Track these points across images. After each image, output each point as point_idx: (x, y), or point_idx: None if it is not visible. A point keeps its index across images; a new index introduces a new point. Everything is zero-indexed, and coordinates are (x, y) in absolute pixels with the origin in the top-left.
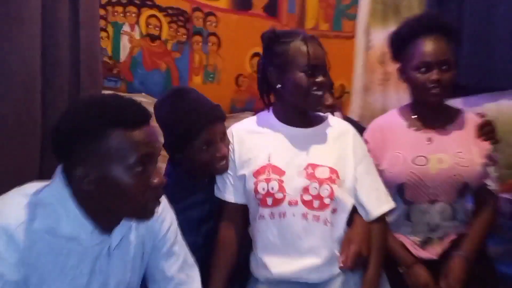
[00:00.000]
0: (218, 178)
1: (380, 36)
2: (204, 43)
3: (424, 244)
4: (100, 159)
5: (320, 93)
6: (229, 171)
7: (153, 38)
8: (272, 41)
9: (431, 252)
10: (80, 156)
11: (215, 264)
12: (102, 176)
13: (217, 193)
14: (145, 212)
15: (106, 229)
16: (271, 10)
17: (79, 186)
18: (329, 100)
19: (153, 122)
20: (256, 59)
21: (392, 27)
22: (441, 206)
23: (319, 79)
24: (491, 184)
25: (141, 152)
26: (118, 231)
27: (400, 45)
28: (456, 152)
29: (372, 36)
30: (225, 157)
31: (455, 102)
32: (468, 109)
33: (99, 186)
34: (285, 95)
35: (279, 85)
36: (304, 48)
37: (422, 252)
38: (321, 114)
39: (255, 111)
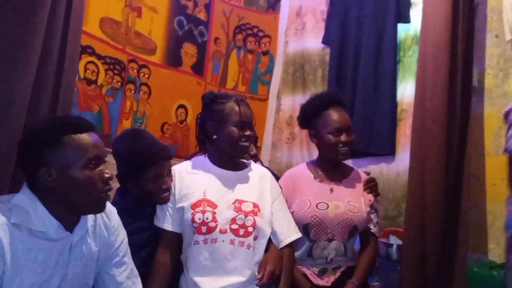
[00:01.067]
0: (158, 209)
1: (289, 101)
2: (136, 91)
3: (321, 274)
4: (59, 160)
5: (247, 144)
6: (169, 204)
7: (90, 82)
8: (211, 101)
9: (326, 280)
10: (43, 160)
11: (151, 284)
12: (61, 174)
13: (156, 222)
14: (98, 202)
15: (68, 226)
16: (198, 69)
17: (43, 186)
18: (253, 150)
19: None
20: (181, 110)
21: (299, 95)
22: (336, 244)
23: (247, 133)
24: (373, 228)
25: (92, 153)
26: (78, 230)
27: (312, 114)
28: (349, 201)
29: (282, 101)
30: (169, 189)
31: (347, 162)
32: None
33: (60, 183)
34: (219, 144)
35: (215, 136)
36: (236, 108)
37: (319, 280)
38: (246, 161)
39: (188, 157)
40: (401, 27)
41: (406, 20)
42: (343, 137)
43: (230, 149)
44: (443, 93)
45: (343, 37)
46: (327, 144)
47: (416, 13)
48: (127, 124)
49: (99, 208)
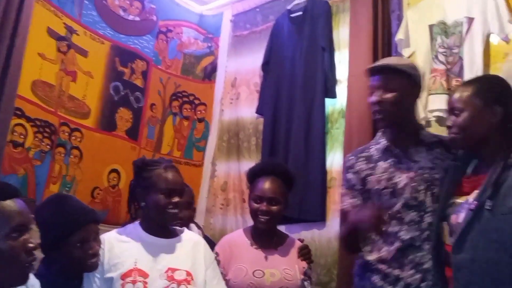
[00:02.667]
0: (85, 280)
1: (224, 168)
2: (66, 155)
3: None
4: None
5: (175, 211)
6: (96, 274)
7: (16, 144)
8: (141, 168)
9: None
10: None
11: None
12: None
13: None
14: (21, 275)
15: None
16: (133, 134)
17: None
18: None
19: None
20: (113, 175)
21: (234, 162)
22: None
23: (175, 199)
24: None
25: (15, 221)
26: None
27: (252, 178)
28: (284, 268)
29: (217, 167)
30: (96, 255)
31: (281, 229)
32: (290, 235)
33: None
34: (149, 211)
35: (143, 203)
36: (164, 174)
37: None
38: (178, 227)
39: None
40: (328, 101)
41: (333, 95)
42: (262, 206)
43: (158, 216)
44: None
45: (275, 109)
46: (250, 210)
47: (341, 89)
48: (54, 188)
49: (21, 280)
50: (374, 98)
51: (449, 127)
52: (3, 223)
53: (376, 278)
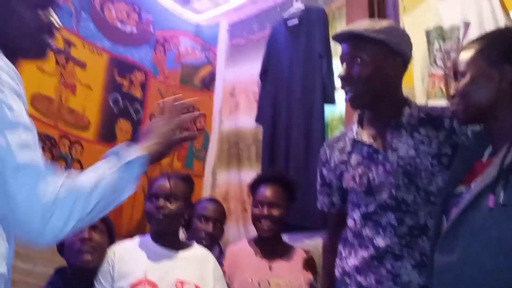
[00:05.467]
0: None
1: (224, 177)
2: (67, 167)
3: None
4: None
5: (159, 216)
6: (106, 283)
7: None
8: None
9: None
10: None
11: None
12: None
13: None
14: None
15: None
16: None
17: None
18: (209, 229)
19: None
20: None
21: (234, 171)
22: None
23: (160, 203)
24: None
25: None
26: None
27: (253, 187)
28: (289, 278)
29: (217, 177)
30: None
31: (284, 237)
32: (293, 243)
33: None
34: None
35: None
36: (155, 182)
37: None
38: (188, 241)
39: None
40: (327, 108)
41: (332, 101)
42: (263, 210)
43: (149, 222)
44: None
45: (274, 117)
46: (252, 216)
47: (340, 95)
48: None
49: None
50: (340, 72)
51: (452, 97)
52: None
53: None
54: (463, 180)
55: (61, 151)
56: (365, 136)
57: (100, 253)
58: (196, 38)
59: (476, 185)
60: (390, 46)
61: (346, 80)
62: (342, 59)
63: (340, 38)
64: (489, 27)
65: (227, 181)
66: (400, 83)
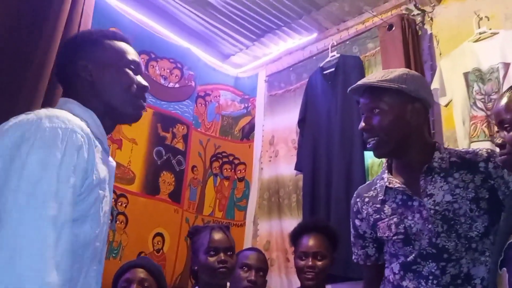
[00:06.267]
0: None
1: (265, 227)
2: (113, 221)
3: None
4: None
5: (223, 269)
6: None
7: None
8: (192, 234)
9: None
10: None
11: None
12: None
13: None
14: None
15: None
16: (175, 196)
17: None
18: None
19: None
20: (157, 239)
21: (275, 220)
22: None
23: (221, 257)
24: None
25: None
26: None
27: (295, 238)
28: None
29: (259, 226)
30: None
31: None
32: None
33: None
34: (201, 274)
35: (195, 267)
36: (207, 236)
37: None
38: None
39: None
40: (368, 153)
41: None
42: (308, 261)
43: (208, 276)
44: None
45: (314, 164)
46: (296, 268)
47: None
48: None
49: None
50: (360, 124)
51: (499, 146)
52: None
53: None
54: None
55: None
56: (398, 183)
57: None
58: (235, 90)
59: None
60: (406, 93)
61: (367, 130)
62: (362, 110)
63: (357, 92)
64: None
65: (269, 230)
66: (424, 128)
